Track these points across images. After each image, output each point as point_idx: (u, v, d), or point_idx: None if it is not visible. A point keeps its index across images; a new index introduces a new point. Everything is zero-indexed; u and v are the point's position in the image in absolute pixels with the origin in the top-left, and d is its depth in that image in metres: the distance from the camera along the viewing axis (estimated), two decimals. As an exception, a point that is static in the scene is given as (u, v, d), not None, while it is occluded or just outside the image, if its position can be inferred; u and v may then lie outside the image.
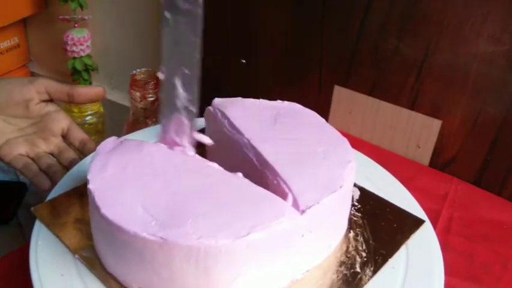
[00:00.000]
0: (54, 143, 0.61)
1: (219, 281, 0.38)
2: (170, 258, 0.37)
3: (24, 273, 0.42)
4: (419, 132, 0.72)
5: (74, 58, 1.04)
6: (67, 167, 0.59)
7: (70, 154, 0.61)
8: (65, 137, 0.62)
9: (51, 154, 0.61)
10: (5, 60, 1.13)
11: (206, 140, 0.49)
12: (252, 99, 0.54)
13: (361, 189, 0.54)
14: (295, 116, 0.52)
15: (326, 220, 0.43)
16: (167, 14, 0.41)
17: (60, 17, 1.02)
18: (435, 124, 0.70)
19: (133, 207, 0.39)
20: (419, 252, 0.47)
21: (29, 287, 0.41)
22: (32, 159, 0.60)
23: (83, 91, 0.61)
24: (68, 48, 1.02)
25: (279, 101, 0.54)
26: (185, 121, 0.46)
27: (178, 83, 0.44)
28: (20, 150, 0.60)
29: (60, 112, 0.62)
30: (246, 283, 0.39)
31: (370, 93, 0.74)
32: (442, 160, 0.71)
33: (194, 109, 0.46)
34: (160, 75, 0.45)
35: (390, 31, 0.68)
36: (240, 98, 0.54)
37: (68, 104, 0.62)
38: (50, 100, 0.61)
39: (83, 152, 0.61)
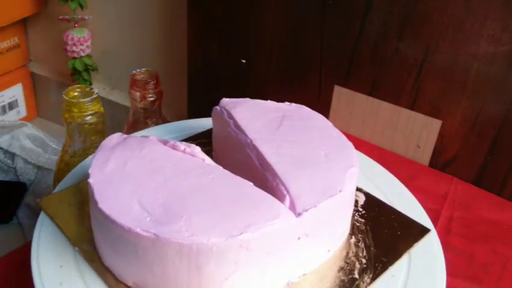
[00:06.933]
0: None
1: (211, 280, 0.38)
2: (162, 255, 0.37)
3: (24, 273, 0.42)
4: (419, 132, 0.72)
5: (74, 58, 1.04)
6: None
7: None
8: None
9: None
10: (5, 60, 1.13)
11: None
12: (259, 101, 0.53)
13: (366, 194, 0.53)
14: (302, 118, 0.51)
15: (324, 224, 0.42)
16: None
17: (61, 17, 1.02)
18: (435, 124, 0.70)
19: (130, 202, 0.39)
20: (421, 262, 0.46)
21: (29, 287, 0.41)
22: None
23: None
24: (68, 48, 1.02)
25: (287, 103, 0.53)
26: None
27: None
28: None
29: None
30: (239, 283, 0.39)
31: (370, 93, 0.74)
32: (442, 160, 0.71)
33: None
34: None
35: (390, 31, 0.68)
36: (248, 98, 0.53)
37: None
38: None
39: None
